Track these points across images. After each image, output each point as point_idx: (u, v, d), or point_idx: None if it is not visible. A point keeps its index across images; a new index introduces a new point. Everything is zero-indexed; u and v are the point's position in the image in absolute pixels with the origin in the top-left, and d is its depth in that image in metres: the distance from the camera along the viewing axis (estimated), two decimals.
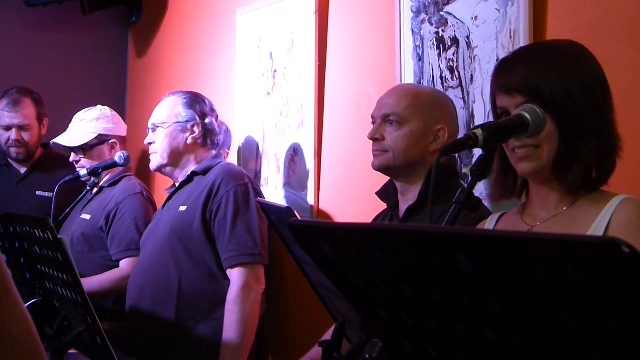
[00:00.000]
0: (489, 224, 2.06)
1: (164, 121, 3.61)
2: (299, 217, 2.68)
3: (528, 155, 1.84)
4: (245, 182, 3.46)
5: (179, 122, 3.60)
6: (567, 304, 0.81)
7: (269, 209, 1.94)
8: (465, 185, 1.62)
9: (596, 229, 1.77)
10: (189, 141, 3.61)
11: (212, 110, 3.73)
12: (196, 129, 3.61)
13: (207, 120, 3.65)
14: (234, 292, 3.28)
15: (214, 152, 3.68)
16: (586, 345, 0.84)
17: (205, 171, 3.54)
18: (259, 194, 3.56)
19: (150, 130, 3.67)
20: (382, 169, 2.70)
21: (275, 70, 4.09)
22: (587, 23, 2.67)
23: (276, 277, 3.84)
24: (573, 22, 2.69)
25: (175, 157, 3.61)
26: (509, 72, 1.87)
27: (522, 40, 2.80)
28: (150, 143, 3.65)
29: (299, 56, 3.92)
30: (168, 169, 3.64)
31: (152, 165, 3.66)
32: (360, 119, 3.58)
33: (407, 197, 2.67)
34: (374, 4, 3.60)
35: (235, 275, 3.31)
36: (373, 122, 2.75)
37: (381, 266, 1.06)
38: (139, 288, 3.46)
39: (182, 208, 3.45)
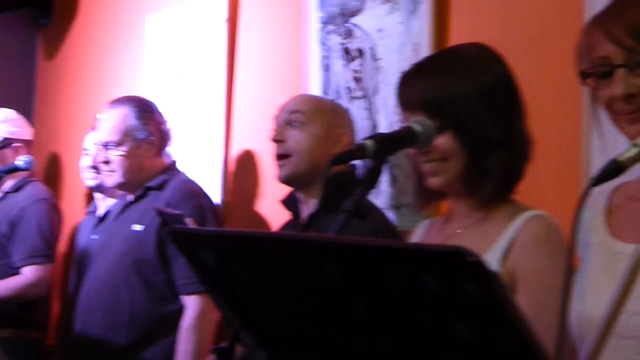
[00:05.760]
0: (420, 232, 2.05)
1: (121, 140, 3.34)
2: (189, 224, 2.69)
3: (435, 171, 1.83)
4: (201, 202, 3.28)
5: (137, 139, 3.36)
6: (424, 311, 0.84)
7: (165, 216, 1.95)
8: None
9: (501, 243, 1.78)
10: (148, 155, 3.38)
11: (161, 114, 3.52)
12: (154, 141, 3.40)
13: (163, 129, 3.47)
14: (190, 320, 3.14)
15: (165, 159, 3.49)
16: (445, 350, 0.87)
17: (160, 186, 3.34)
18: (215, 213, 3.41)
19: (102, 147, 3.40)
20: (288, 179, 2.71)
21: (184, 78, 4.08)
22: (488, 40, 2.71)
23: None
24: (474, 37, 2.73)
25: (137, 174, 3.37)
26: (408, 88, 1.87)
27: (425, 53, 2.85)
28: (105, 162, 3.38)
29: (209, 64, 3.92)
30: (128, 186, 3.40)
31: (110, 183, 3.42)
32: (269, 129, 3.58)
33: (309, 205, 2.68)
34: (284, 14, 3.62)
35: (191, 303, 3.15)
36: (275, 130, 2.77)
37: (258, 273, 1.08)
38: (89, 308, 3.30)
39: (138, 228, 3.26)
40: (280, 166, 2.72)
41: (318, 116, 2.71)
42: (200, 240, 1.13)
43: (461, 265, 0.72)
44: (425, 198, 1.97)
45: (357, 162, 2.73)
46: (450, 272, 0.75)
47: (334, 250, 0.89)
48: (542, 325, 1.53)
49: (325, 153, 2.66)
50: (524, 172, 1.88)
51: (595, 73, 1.49)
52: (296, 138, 2.69)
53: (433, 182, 1.85)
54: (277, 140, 2.72)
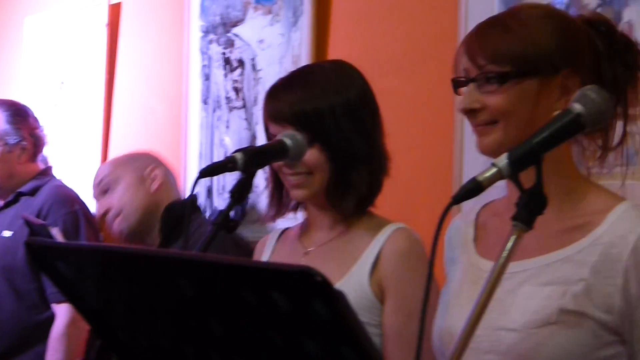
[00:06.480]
0: (269, 242, 2.05)
1: None
2: (55, 233, 2.68)
3: (301, 183, 1.84)
4: (75, 209, 3.23)
5: (9, 143, 3.30)
6: (276, 328, 0.85)
7: (31, 225, 1.91)
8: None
9: (368, 256, 1.82)
10: (20, 160, 3.32)
11: (36, 119, 3.46)
12: (27, 146, 3.34)
13: (37, 134, 3.40)
14: (60, 329, 3.09)
15: (40, 165, 3.42)
16: None
17: (33, 191, 3.28)
18: (90, 220, 3.31)
19: None
20: (127, 233, 2.80)
21: (63, 82, 4.01)
22: (365, 53, 2.78)
23: None
24: (352, 52, 2.79)
25: (8, 179, 3.31)
26: (277, 101, 1.87)
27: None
28: None
29: (88, 69, 3.87)
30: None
31: None
32: (148, 136, 3.57)
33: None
34: (165, 21, 3.61)
35: (61, 311, 3.10)
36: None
37: (115, 288, 1.07)
38: None
39: (7, 234, 3.19)
40: (114, 225, 2.81)
41: (121, 170, 2.84)
42: (56, 253, 1.11)
43: (309, 284, 0.73)
44: (280, 209, 1.98)
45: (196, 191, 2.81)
46: (299, 291, 0.76)
47: (187, 267, 0.89)
48: (409, 335, 1.56)
49: (148, 194, 2.81)
50: (381, 185, 1.92)
51: (461, 84, 1.53)
52: (115, 198, 2.81)
53: (297, 194, 1.87)
54: (103, 214, 2.83)
